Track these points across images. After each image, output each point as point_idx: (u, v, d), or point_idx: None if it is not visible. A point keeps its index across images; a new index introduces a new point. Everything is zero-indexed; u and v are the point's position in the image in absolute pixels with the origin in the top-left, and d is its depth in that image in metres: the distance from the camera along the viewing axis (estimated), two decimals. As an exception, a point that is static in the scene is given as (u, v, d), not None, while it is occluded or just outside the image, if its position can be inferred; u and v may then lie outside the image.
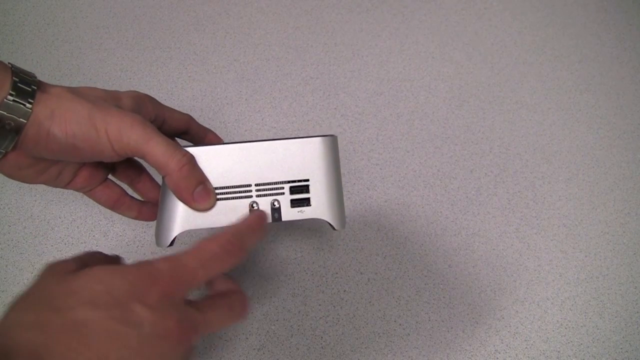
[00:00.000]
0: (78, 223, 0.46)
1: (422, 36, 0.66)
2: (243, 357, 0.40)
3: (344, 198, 0.35)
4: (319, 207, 0.32)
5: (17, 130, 0.27)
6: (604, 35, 0.68)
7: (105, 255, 0.30)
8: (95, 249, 0.45)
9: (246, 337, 0.41)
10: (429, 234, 0.48)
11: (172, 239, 0.32)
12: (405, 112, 0.58)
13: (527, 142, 0.56)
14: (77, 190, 0.35)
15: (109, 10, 0.65)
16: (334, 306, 0.43)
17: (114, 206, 0.36)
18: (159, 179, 0.35)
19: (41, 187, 0.48)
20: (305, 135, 0.33)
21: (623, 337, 0.44)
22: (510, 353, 0.42)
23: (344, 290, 0.44)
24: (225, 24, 0.64)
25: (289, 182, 0.32)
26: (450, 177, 0.52)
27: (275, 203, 0.32)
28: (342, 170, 0.34)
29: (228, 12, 0.66)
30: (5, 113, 0.27)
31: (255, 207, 0.32)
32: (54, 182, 0.33)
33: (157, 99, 0.35)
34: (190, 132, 0.37)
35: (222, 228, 0.29)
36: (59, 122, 0.28)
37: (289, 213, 0.32)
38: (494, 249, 0.48)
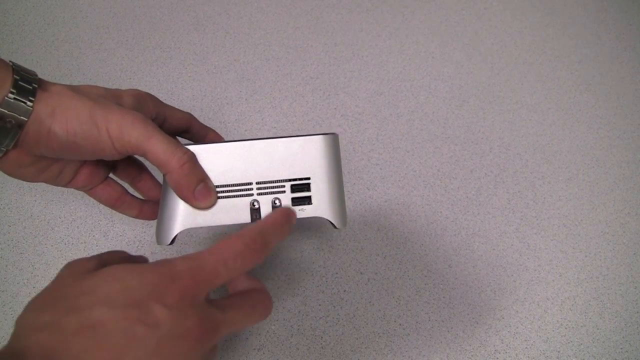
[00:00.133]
0: (78, 223, 0.46)
1: (422, 36, 0.66)
2: (243, 357, 0.40)
3: (345, 200, 0.35)
4: (321, 206, 0.32)
5: (18, 128, 0.28)
6: (604, 35, 0.68)
7: (130, 255, 0.30)
8: (95, 249, 0.45)
9: (246, 337, 0.41)
10: (429, 234, 0.48)
11: (172, 237, 0.32)
12: (405, 112, 0.58)
13: (527, 142, 0.56)
14: (78, 189, 0.35)
15: (109, 10, 0.65)
16: (334, 306, 0.43)
17: (114, 205, 0.36)
18: (160, 177, 0.36)
19: (41, 187, 0.48)
20: (306, 134, 0.33)
21: (623, 337, 0.44)
22: (510, 353, 0.42)
23: (344, 290, 0.44)
24: (225, 24, 0.64)
25: (290, 180, 0.32)
26: (450, 177, 0.52)
27: (276, 201, 0.32)
28: (342, 170, 0.34)
29: (228, 12, 0.66)
30: (6, 111, 0.27)
31: (256, 206, 0.32)
32: (54, 181, 0.33)
33: (155, 96, 0.35)
34: (191, 130, 0.37)
35: (222, 226, 0.29)
36: (60, 120, 0.28)
37: None
38: (494, 249, 0.48)
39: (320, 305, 0.43)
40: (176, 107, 0.36)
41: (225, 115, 0.55)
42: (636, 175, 0.55)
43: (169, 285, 0.24)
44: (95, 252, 0.30)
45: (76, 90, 0.29)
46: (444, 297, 0.44)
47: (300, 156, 0.32)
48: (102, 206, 0.37)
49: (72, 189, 0.35)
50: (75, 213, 0.47)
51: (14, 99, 0.27)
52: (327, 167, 0.32)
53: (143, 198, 0.38)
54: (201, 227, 0.32)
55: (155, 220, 0.38)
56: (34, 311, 0.24)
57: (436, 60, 0.63)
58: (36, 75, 0.29)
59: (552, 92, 0.61)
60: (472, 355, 0.42)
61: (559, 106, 0.60)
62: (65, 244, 0.45)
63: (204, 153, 0.31)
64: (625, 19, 0.71)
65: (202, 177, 0.31)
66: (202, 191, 0.31)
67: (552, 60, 0.65)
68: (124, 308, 0.22)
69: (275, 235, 0.28)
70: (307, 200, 0.32)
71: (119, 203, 0.36)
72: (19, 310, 0.24)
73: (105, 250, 0.32)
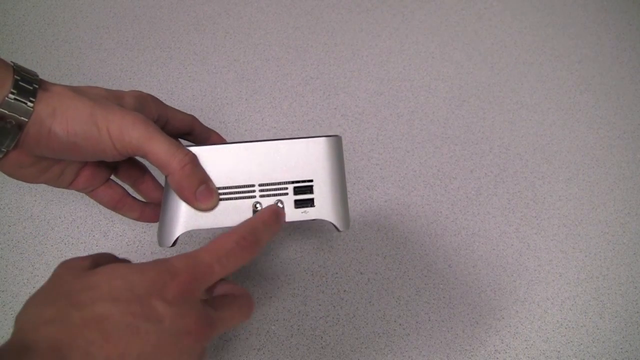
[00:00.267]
0: (78, 223, 0.46)
1: (422, 36, 0.66)
2: (243, 357, 0.40)
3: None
4: (323, 208, 0.32)
5: (19, 128, 0.27)
6: (604, 35, 0.68)
7: (117, 258, 0.31)
8: (95, 249, 0.45)
9: (246, 337, 0.41)
10: (429, 234, 0.48)
11: (174, 239, 0.31)
12: (405, 112, 0.58)
13: (527, 142, 0.56)
14: (79, 190, 0.35)
15: (109, 10, 0.65)
16: (334, 306, 0.43)
17: (115, 207, 0.36)
18: (161, 179, 0.35)
19: (41, 188, 0.48)
20: (309, 135, 0.33)
21: (623, 337, 0.44)
22: (510, 353, 0.42)
23: (344, 290, 0.44)
24: (225, 24, 0.64)
25: (292, 182, 0.32)
26: (450, 177, 0.52)
27: (279, 204, 0.32)
28: (344, 167, 0.34)
29: (228, 12, 0.66)
30: (6, 111, 0.27)
31: (259, 208, 0.32)
32: (55, 182, 0.33)
33: (157, 98, 0.35)
34: (193, 133, 0.37)
35: (225, 229, 0.29)
36: (61, 120, 0.28)
37: (292, 214, 0.32)
38: (494, 249, 0.48)
39: (320, 305, 0.43)
40: (177, 107, 0.36)
41: (225, 115, 0.55)
42: (636, 175, 0.55)
43: (169, 281, 0.24)
44: (96, 252, 0.30)
45: (77, 91, 0.29)
46: (444, 297, 0.44)
47: (303, 158, 0.32)
48: (102, 206, 0.37)
49: (73, 190, 0.35)
50: (75, 213, 0.47)
51: (15, 99, 0.27)
52: (330, 169, 0.32)
53: (144, 200, 0.38)
54: (203, 229, 0.32)
55: (156, 222, 0.38)
56: (36, 307, 0.24)
57: (436, 60, 0.63)
58: (37, 76, 0.29)
59: (552, 92, 0.61)
60: (472, 355, 0.42)
61: (559, 106, 0.60)
62: (65, 244, 0.45)
63: (206, 154, 0.31)
64: (625, 19, 0.71)
65: (203, 179, 0.31)
66: (204, 193, 0.31)
67: (552, 60, 0.65)
68: (127, 303, 0.23)
69: (266, 233, 0.29)
70: (310, 203, 0.32)
71: (120, 205, 0.36)
72: (19, 310, 0.24)
73: (106, 250, 0.32)
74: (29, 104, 0.27)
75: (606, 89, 0.62)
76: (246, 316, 0.29)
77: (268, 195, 0.32)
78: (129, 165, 0.37)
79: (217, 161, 0.31)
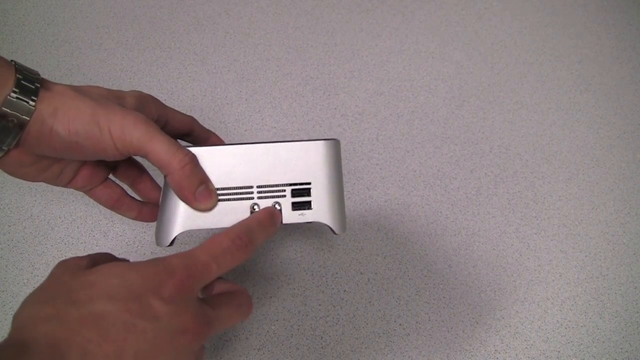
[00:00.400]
0: (78, 223, 0.46)
1: (422, 36, 0.66)
2: (243, 357, 0.40)
3: (345, 201, 0.35)
4: (320, 211, 0.32)
5: (20, 127, 0.28)
6: (604, 35, 0.68)
7: (115, 257, 0.31)
8: (95, 249, 0.45)
9: (246, 337, 0.41)
10: (429, 234, 0.48)
11: (172, 238, 0.32)
12: (405, 112, 0.58)
13: (527, 142, 0.56)
14: (78, 189, 0.35)
15: (109, 10, 0.65)
16: (334, 306, 0.43)
17: (114, 206, 0.36)
18: (160, 180, 0.36)
19: (41, 187, 0.48)
20: (308, 139, 0.33)
21: (623, 337, 0.44)
22: (510, 353, 0.42)
23: (344, 290, 0.44)
24: (225, 24, 0.64)
25: (290, 184, 0.32)
26: (450, 177, 0.52)
27: (277, 205, 0.32)
28: (342, 171, 0.34)
29: (228, 12, 0.66)
30: (8, 110, 0.27)
31: (257, 209, 0.32)
32: (55, 181, 0.33)
33: (158, 99, 0.35)
34: (193, 134, 0.37)
35: (222, 229, 0.29)
36: (62, 119, 0.28)
37: (290, 216, 0.32)
38: (494, 249, 0.48)
39: (320, 305, 0.43)
40: (176, 107, 0.36)
41: (225, 115, 0.55)
42: (636, 175, 0.55)
43: (166, 280, 0.25)
44: (94, 252, 0.30)
45: (79, 91, 0.30)
46: (444, 297, 0.44)
47: (302, 161, 0.32)
48: (102, 207, 0.37)
49: (72, 190, 0.35)
50: (75, 213, 0.47)
51: (17, 98, 0.27)
52: (327, 172, 0.32)
53: (142, 200, 0.38)
54: (201, 229, 0.32)
55: (154, 222, 0.38)
56: (34, 305, 0.24)
57: (436, 60, 0.63)
58: (38, 75, 0.29)
59: (552, 92, 0.61)
60: (472, 355, 0.42)
61: (559, 106, 0.60)
62: (65, 244, 0.45)
63: (206, 155, 0.31)
64: (625, 19, 0.71)
65: (203, 179, 0.31)
66: (203, 193, 0.31)
67: (552, 60, 0.65)
68: (124, 301, 0.23)
69: (261, 233, 0.29)
70: (307, 205, 0.32)
71: (118, 204, 0.36)
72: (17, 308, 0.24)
73: (106, 250, 0.32)
74: (31, 103, 0.27)
75: (606, 89, 0.62)
76: (245, 315, 0.29)
77: (266, 197, 0.32)
78: (127, 165, 0.37)
79: (216, 162, 0.31)
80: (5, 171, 0.31)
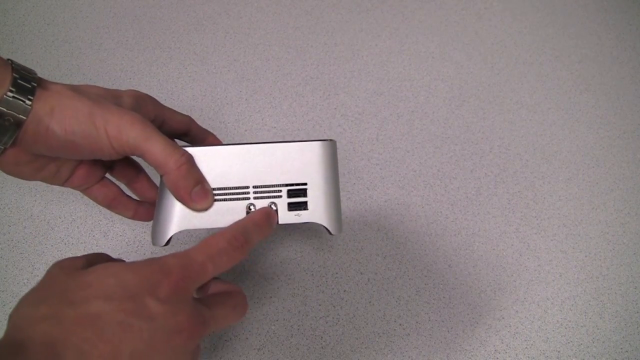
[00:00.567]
0: (78, 223, 0.46)
1: (422, 36, 0.66)
2: (243, 357, 0.40)
3: (342, 202, 0.35)
4: (316, 212, 0.32)
5: (17, 126, 0.28)
6: (604, 35, 0.68)
7: (111, 257, 0.31)
8: (95, 249, 0.45)
9: (246, 337, 0.41)
10: (429, 234, 0.48)
11: (168, 238, 0.32)
12: (405, 112, 0.58)
13: (527, 142, 0.56)
14: (75, 188, 0.35)
15: (109, 10, 0.65)
16: (334, 306, 0.43)
17: (110, 205, 0.37)
18: (156, 179, 0.35)
19: (41, 188, 0.48)
20: (304, 139, 0.33)
21: (623, 337, 0.44)
22: (510, 353, 0.42)
23: (344, 290, 0.44)
24: (225, 24, 0.64)
25: (286, 185, 0.32)
26: (450, 177, 0.52)
27: (273, 206, 0.32)
28: (341, 171, 0.34)
29: (228, 12, 0.66)
30: (4, 109, 0.27)
31: (253, 210, 0.32)
32: (51, 180, 0.33)
33: (157, 99, 0.35)
34: (190, 134, 0.37)
35: (218, 229, 0.29)
36: (59, 119, 0.28)
37: (286, 216, 0.32)
38: (494, 249, 0.48)
39: (320, 305, 0.43)
40: (176, 107, 0.36)
41: (225, 116, 0.55)
42: (636, 175, 0.55)
43: (162, 279, 0.25)
44: (91, 253, 0.30)
45: (76, 90, 0.30)
46: (444, 297, 0.44)
47: (298, 162, 0.32)
48: (102, 207, 0.37)
49: (72, 190, 0.35)
50: (75, 213, 0.47)
51: (13, 97, 0.27)
52: (323, 173, 0.32)
53: (139, 199, 0.38)
54: (197, 229, 0.32)
55: (150, 221, 0.38)
56: (30, 305, 0.24)
57: (436, 60, 0.63)
58: (35, 74, 0.29)
59: (552, 92, 0.61)
60: (472, 355, 0.42)
61: (559, 106, 0.60)
62: (65, 244, 0.45)
63: (202, 155, 0.31)
64: (625, 19, 0.71)
65: (199, 179, 0.31)
66: (199, 193, 0.31)
67: (552, 60, 0.65)
68: (120, 301, 0.23)
69: (257, 234, 0.30)
70: (304, 206, 0.32)
71: (114, 203, 0.36)
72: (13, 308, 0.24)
73: (105, 250, 0.32)
74: (28, 102, 0.27)
75: (606, 89, 0.62)
76: (240, 315, 0.30)
77: (262, 198, 0.32)
78: (124, 164, 0.37)
79: (212, 162, 0.31)
80: (2, 170, 0.31)
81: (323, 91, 0.58)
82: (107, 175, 0.37)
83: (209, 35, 0.63)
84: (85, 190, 0.36)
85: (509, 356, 0.42)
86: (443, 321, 0.43)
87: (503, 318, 0.44)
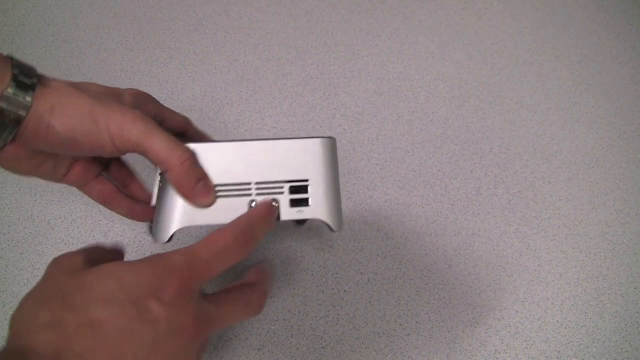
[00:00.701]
0: (78, 223, 0.46)
1: (422, 36, 0.66)
2: (243, 357, 0.40)
3: (342, 202, 0.35)
4: (318, 208, 0.32)
5: (17, 123, 0.27)
6: (604, 35, 0.68)
7: (106, 249, 0.30)
8: (95, 248, 0.45)
9: (246, 337, 0.41)
10: (429, 234, 0.48)
11: (170, 234, 0.32)
12: (405, 112, 0.58)
13: (527, 142, 0.56)
14: (71, 184, 0.35)
15: (109, 10, 0.65)
16: (334, 306, 0.43)
17: (106, 202, 0.36)
18: (150, 183, 0.36)
19: (41, 187, 0.48)
20: (305, 136, 0.33)
21: (623, 337, 0.44)
22: (510, 353, 0.42)
23: (344, 290, 0.44)
24: (225, 24, 0.64)
25: (288, 181, 0.32)
26: (450, 177, 0.52)
27: (274, 202, 0.32)
28: (342, 171, 0.34)
29: (228, 12, 0.66)
30: (4, 106, 0.27)
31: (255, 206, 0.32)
32: (48, 176, 0.33)
33: (157, 99, 0.35)
34: (186, 134, 0.37)
35: (220, 225, 0.29)
36: (59, 116, 0.28)
37: (288, 212, 0.32)
38: (494, 249, 0.48)
39: (320, 305, 0.43)
40: (176, 107, 0.36)
41: (225, 115, 0.55)
42: (636, 175, 0.55)
43: (165, 280, 0.24)
44: (89, 245, 0.30)
45: (76, 87, 0.29)
46: (444, 297, 0.44)
47: (299, 158, 0.32)
48: (102, 207, 0.37)
49: (72, 189, 0.35)
50: (75, 213, 0.47)
51: (13, 93, 0.27)
52: (325, 170, 0.32)
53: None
54: (199, 226, 0.32)
55: (144, 221, 0.38)
56: (31, 309, 0.24)
57: (436, 60, 0.63)
58: (36, 71, 0.29)
59: (552, 92, 0.61)
60: (472, 355, 0.42)
61: (559, 106, 0.60)
62: (65, 244, 0.45)
63: (204, 152, 0.31)
64: (625, 19, 0.71)
65: (201, 176, 0.31)
66: (202, 189, 0.31)
67: (552, 60, 0.65)
68: (122, 306, 0.23)
69: (262, 228, 0.29)
70: (305, 202, 0.32)
71: (110, 200, 0.36)
72: (14, 311, 0.24)
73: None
74: (28, 98, 0.27)
75: (606, 89, 0.62)
76: (254, 312, 0.29)
77: (264, 194, 0.32)
78: (119, 165, 0.37)
79: (214, 158, 0.31)
80: (1, 165, 0.31)
81: (323, 91, 0.58)
82: (104, 173, 0.37)
83: (209, 35, 0.63)
84: (82, 187, 0.36)
85: (509, 356, 0.42)
86: (443, 321, 0.43)
87: (503, 318, 0.44)
